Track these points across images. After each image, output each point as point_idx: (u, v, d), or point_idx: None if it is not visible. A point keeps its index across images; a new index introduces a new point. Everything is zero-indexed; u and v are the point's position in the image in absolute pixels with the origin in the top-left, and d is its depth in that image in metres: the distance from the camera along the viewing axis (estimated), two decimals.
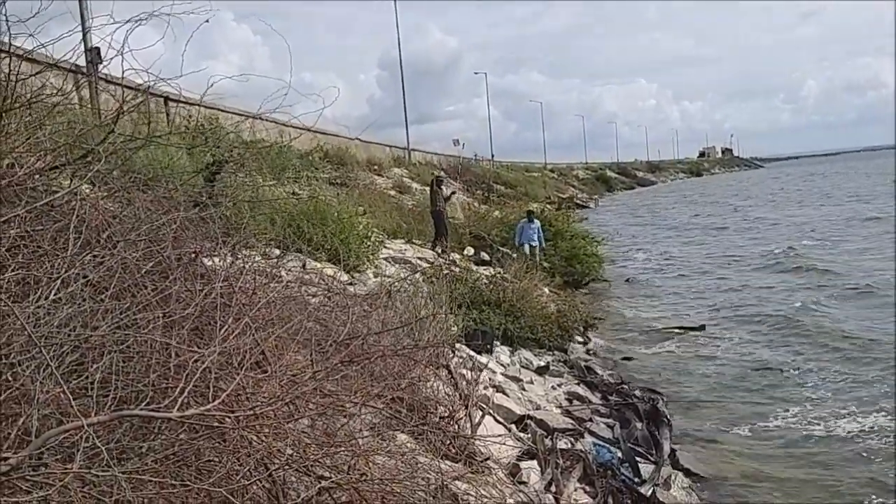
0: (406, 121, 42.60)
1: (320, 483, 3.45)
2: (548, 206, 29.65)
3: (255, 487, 2.91)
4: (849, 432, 8.45)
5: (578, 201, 52.80)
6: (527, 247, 17.32)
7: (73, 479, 2.28)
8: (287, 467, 3.15)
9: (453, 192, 20.04)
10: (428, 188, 18.34)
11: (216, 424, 2.70)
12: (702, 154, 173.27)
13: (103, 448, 2.26)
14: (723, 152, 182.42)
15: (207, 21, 4.46)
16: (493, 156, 59.27)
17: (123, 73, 4.39)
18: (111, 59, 4.38)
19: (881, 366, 10.60)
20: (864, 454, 7.84)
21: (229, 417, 2.76)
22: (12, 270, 2.90)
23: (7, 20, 4.11)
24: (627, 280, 20.12)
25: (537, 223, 17.92)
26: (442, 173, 24.90)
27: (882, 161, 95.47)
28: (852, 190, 51.29)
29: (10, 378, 2.51)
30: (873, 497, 6.89)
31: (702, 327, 13.91)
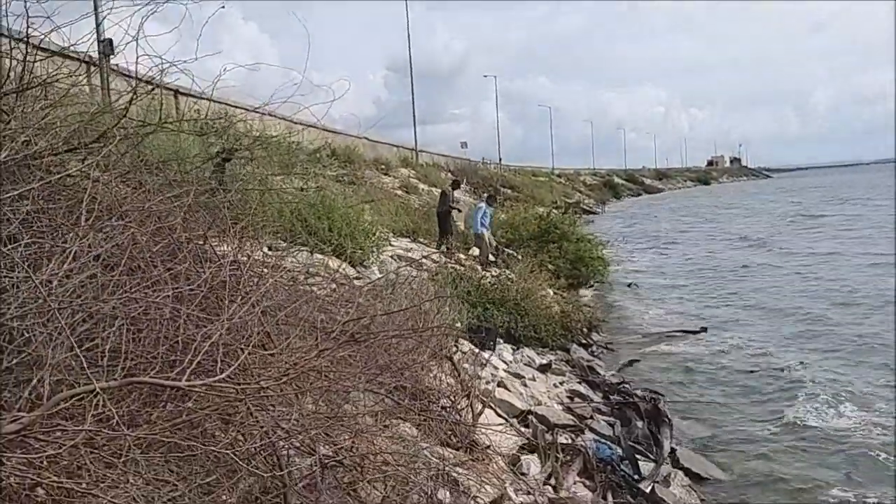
0: (414, 121, 42.70)
1: (323, 462, 3.51)
2: (554, 210, 29.61)
3: (258, 458, 2.97)
4: (850, 428, 8.48)
5: (585, 207, 52.69)
6: (486, 234, 16.55)
7: (83, 440, 2.34)
8: (290, 442, 3.20)
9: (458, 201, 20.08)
10: (437, 189, 18.30)
11: (222, 395, 2.76)
12: (710, 163, 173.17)
13: (114, 411, 2.32)
14: (731, 161, 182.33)
15: (223, 7, 4.52)
16: (500, 159, 59.35)
17: (137, 58, 4.47)
18: (123, 46, 4.47)
19: (879, 361, 10.77)
20: (866, 450, 7.85)
21: (235, 389, 2.81)
22: (25, 243, 2.96)
23: (27, 7, 4.18)
24: (630, 284, 20.11)
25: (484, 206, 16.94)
26: (457, 177, 24.85)
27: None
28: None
29: (23, 344, 2.57)
30: (874, 494, 6.90)
31: (703, 330, 13.97)
